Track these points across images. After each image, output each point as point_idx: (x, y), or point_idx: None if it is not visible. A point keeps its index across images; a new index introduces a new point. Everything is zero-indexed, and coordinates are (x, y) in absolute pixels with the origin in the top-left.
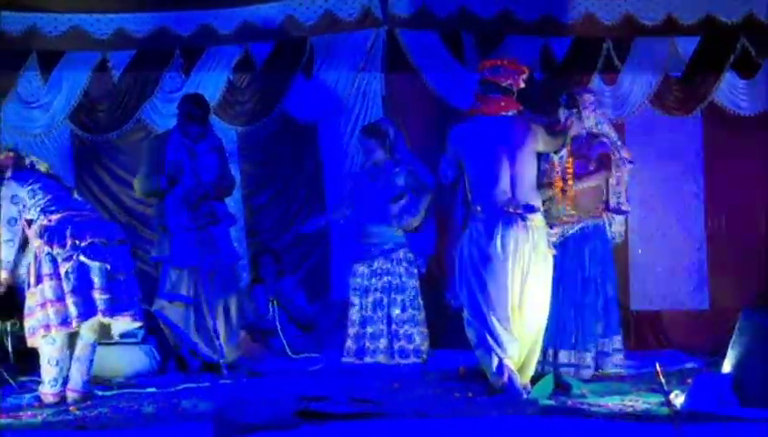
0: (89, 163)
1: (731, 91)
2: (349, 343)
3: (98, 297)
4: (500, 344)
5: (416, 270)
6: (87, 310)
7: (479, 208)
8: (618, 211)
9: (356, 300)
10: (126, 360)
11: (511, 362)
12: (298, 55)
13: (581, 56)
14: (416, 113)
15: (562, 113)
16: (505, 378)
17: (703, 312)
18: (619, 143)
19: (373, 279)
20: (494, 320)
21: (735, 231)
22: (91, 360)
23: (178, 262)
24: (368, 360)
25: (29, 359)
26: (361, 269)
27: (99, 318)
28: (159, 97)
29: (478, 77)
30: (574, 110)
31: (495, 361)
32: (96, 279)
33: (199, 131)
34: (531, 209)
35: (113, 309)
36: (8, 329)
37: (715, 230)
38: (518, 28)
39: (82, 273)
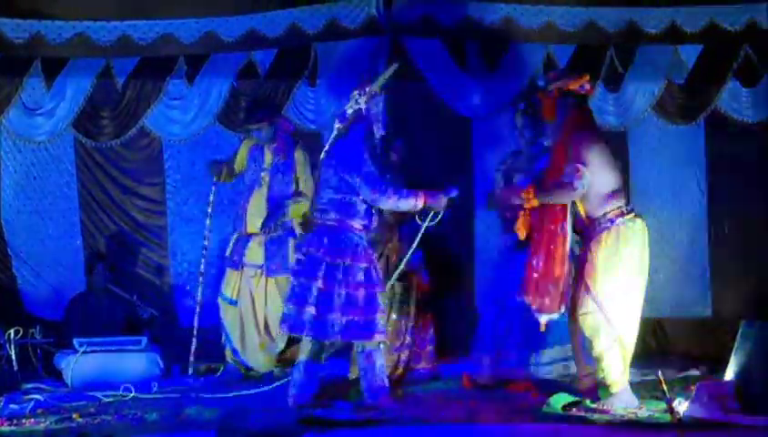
0: (92, 170)
1: (734, 99)
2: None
3: None
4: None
5: None
6: None
7: (606, 215)
8: None
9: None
10: (129, 368)
11: None
12: (303, 62)
13: (584, 64)
14: (420, 119)
15: (519, 119)
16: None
17: (706, 320)
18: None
19: (404, 291)
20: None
21: (738, 239)
22: None
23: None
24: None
25: (31, 366)
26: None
27: None
28: (163, 104)
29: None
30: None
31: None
32: None
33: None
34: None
35: None
36: (11, 336)
37: (718, 238)
38: (521, 36)
39: None
